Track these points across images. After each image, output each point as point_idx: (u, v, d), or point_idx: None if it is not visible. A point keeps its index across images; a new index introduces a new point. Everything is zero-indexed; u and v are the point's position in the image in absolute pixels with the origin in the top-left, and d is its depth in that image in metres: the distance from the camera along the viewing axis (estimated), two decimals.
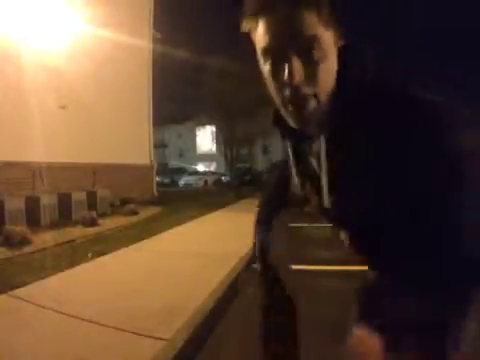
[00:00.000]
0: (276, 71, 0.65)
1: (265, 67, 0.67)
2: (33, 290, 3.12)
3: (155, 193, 12.83)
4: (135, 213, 8.06)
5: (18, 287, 3.14)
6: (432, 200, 0.60)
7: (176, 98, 23.35)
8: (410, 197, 0.62)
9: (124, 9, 10.70)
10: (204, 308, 2.75)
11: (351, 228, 0.81)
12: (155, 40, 13.34)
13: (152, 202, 10.69)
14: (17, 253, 4.50)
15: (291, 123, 0.71)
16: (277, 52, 0.64)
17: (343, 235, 0.87)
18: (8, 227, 5.20)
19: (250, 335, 2.66)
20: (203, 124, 30.71)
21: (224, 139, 25.40)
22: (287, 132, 0.78)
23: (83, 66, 8.75)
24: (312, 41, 0.62)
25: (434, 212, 0.60)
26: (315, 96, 0.65)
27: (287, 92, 0.65)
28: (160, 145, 45.11)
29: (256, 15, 0.65)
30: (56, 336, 2.30)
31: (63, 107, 8.21)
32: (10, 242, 4.78)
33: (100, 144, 9.37)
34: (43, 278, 3.44)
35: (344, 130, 0.67)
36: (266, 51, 0.65)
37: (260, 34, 0.65)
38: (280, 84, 0.65)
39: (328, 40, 0.64)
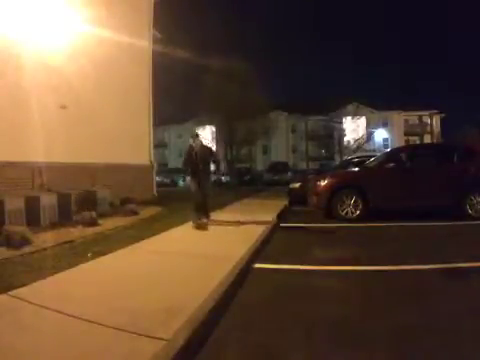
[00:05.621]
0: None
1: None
2: (33, 290, 3.12)
3: (155, 193, 12.85)
4: (135, 213, 8.06)
5: (18, 287, 3.14)
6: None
7: (176, 98, 23.39)
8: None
9: (124, 9, 10.70)
10: (203, 309, 2.76)
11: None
12: (155, 40, 13.35)
13: (152, 202, 10.70)
14: (17, 253, 4.50)
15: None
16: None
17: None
18: (8, 227, 5.20)
19: (252, 331, 2.65)
20: (203, 124, 30.66)
21: (224, 139, 25.41)
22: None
23: (83, 66, 8.76)
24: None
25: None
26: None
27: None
28: (160, 145, 45.15)
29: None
30: (56, 336, 2.30)
31: (63, 107, 8.22)
32: (10, 242, 4.77)
33: (100, 144, 9.38)
34: (43, 278, 3.44)
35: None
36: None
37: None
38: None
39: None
